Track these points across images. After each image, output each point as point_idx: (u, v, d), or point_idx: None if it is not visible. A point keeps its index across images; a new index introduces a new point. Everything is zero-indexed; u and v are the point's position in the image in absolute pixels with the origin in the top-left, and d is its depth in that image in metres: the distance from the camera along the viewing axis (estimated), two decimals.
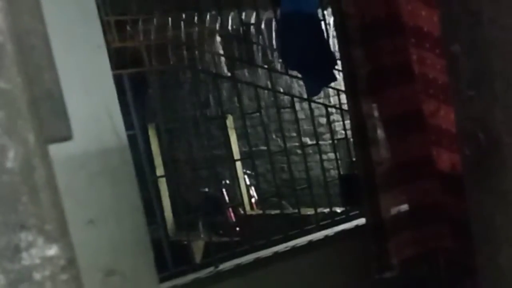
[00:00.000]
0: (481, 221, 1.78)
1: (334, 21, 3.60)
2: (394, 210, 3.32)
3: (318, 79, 3.81)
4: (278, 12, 3.82)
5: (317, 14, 3.81)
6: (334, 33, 3.76)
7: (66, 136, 0.69)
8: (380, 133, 3.33)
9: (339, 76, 3.95)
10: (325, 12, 4.29)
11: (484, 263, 1.79)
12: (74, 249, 0.67)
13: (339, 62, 3.75)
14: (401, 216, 3.33)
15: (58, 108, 0.67)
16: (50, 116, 0.66)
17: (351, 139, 3.69)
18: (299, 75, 4.06)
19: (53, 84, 0.67)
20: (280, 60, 4.49)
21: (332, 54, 3.93)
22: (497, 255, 1.71)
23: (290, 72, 4.32)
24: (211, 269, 3.50)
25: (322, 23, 4.19)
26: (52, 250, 0.63)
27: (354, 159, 3.73)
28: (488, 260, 1.76)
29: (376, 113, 3.32)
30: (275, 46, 4.93)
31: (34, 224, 0.61)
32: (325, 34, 4.09)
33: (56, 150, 2.35)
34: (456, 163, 2.96)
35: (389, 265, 3.29)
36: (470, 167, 1.82)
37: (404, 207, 3.34)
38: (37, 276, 0.62)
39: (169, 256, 3.50)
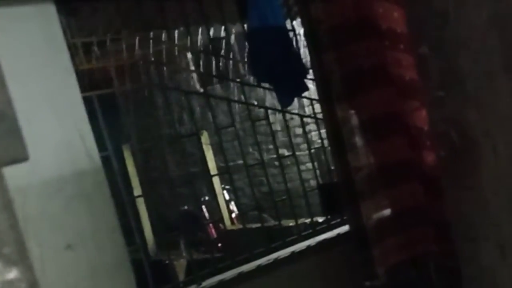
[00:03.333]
0: (460, 220, 1.77)
1: (304, 28, 3.58)
2: (377, 216, 3.30)
3: (290, 90, 3.80)
4: (246, 26, 3.81)
5: (285, 26, 3.80)
6: (305, 42, 3.76)
7: (22, 157, 0.66)
8: (357, 138, 3.30)
9: (312, 85, 3.94)
10: (294, 22, 4.28)
11: (465, 262, 1.78)
12: (35, 271, 0.64)
13: (311, 70, 3.74)
14: (385, 221, 3.31)
15: (12, 129, 0.65)
16: (4, 138, 0.64)
17: (328, 148, 3.67)
18: (271, 87, 4.05)
19: (5, 105, 0.64)
20: (251, 74, 4.48)
21: (302, 64, 3.92)
22: (477, 253, 1.71)
23: (263, 84, 4.30)
24: (194, 286, 3.46)
25: (292, 33, 4.19)
26: (12, 274, 0.60)
27: (332, 167, 3.70)
28: (469, 259, 1.75)
29: (352, 119, 3.30)
30: (246, 59, 4.92)
31: None
32: (295, 45, 4.08)
33: (29, 175, 2.29)
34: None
35: (376, 272, 3.26)
36: (446, 167, 1.82)
37: (387, 212, 3.32)
38: None
39: (150, 277, 3.45)
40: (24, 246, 0.64)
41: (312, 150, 4.65)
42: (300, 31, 4.17)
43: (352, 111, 3.29)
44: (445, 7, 1.75)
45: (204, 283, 3.47)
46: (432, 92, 1.79)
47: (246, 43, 3.99)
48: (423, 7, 1.82)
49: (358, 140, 3.30)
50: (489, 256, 1.69)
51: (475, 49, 1.71)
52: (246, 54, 4.53)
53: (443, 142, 1.77)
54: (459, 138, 1.70)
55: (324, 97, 3.42)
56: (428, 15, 1.80)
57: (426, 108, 1.94)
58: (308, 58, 3.70)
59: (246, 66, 5.13)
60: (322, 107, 3.52)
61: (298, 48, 4.25)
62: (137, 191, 6.97)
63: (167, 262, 5.64)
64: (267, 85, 4.24)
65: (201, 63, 4.80)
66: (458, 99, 1.72)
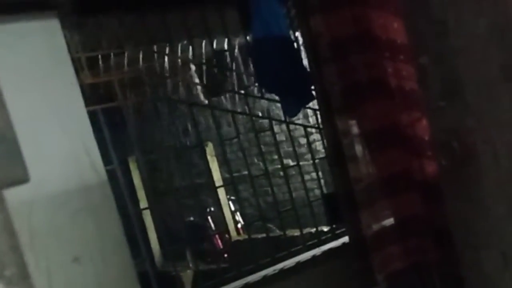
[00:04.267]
0: (461, 228, 1.78)
1: (304, 40, 3.61)
2: (376, 225, 3.31)
3: (296, 100, 3.82)
4: (249, 37, 3.84)
5: (289, 36, 3.82)
6: (305, 54, 3.78)
7: (22, 179, 0.67)
8: (357, 149, 3.32)
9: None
10: (297, 33, 4.30)
11: (467, 270, 1.79)
12: None
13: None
14: (384, 230, 3.33)
15: (12, 151, 0.65)
16: (4, 160, 0.64)
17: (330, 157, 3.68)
18: (276, 98, 4.07)
19: (5, 127, 0.65)
20: (256, 84, 4.51)
21: (309, 74, 3.94)
22: (479, 261, 1.71)
23: (267, 95, 4.33)
24: None
25: (295, 44, 4.21)
26: None
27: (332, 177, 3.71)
28: (472, 267, 1.76)
29: (352, 130, 3.32)
30: (250, 71, 4.95)
31: None
32: (300, 55, 4.10)
33: (35, 189, 2.31)
34: None
35: (375, 281, 3.28)
36: (447, 176, 1.83)
37: (387, 221, 3.33)
38: None
39: None
40: (25, 267, 0.65)
41: (316, 160, 4.67)
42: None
43: (353, 122, 3.31)
44: (444, 16, 1.77)
45: None
46: (433, 102, 1.80)
47: (250, 54, 4.01)
48: (422, 17, 1.83)
49: (358, 151, 3.32)
50: (491, 264, 1.70)
51: (475, 58, 1.72)
52: (251, 65, 4.55)
53: (444, 151, 1.79)
54: (460, 147, 1.71)
55: (325, 108, 3.45)
56: (427, 24, 1.82)
57: (427, 118, 1.95)
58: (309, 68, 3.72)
59: (249, 77, 5.15)
60: (322, 119, 3.55)
61: (303, 58, 4.27)
62: (143, 203, 6.99)
63: (173, 273, 5.63)
64: (271, 96, 4.27)
65: (204, 75, 4.83)
66: (458, 108, 1.74)
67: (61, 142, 2.83)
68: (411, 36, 1.94)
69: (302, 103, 4.03)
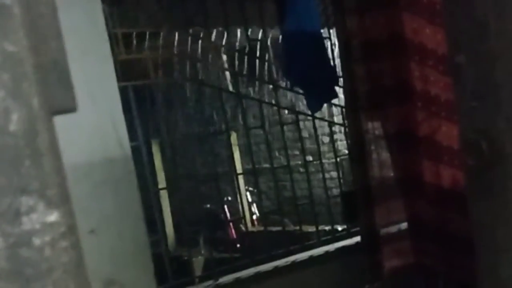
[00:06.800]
0: (482, 231, 1.77)
1: (338, 39, 3.64)
2: (388, 222, 3.36)
3: (319, 96, 3.85)
4: (282, 29, 3.86)
5: (320, 33, 3.84)
6: (339, 52, 3.80)
7: (71, 108, 0.68)
8: (377, 148, 3.37)
9: (341, 93, 3.98)
10: (331, 30, 4.31)
11: (484, 273, 1.78)
12: (75, 216, 0.66)
13: (341, 79, 3.78)
14: (395, 228, 3.38)
15: (64, 79, 0.67)
16: (55, 86, 0.66)
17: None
18: (302, 91, 4.10)
19: (59, 54, 0.67)
20: (284, 77, 4.53)
21: (334, 71, 3.97)
22: (497, 265, 1.70)
23: (296, 88, 4.34)
24: (211, 282, 3.49)
25: (328, 41, 4.23)
26: (53, 216, 0.62)
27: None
28: (488, 270, 1.75)
29: (375, 129, 3.36)
30: (280, 63, 4.97)
31: (36, 188, 0.60)
32: (329, 52, 4.12)
33: None
34: (457, 179, 2.98)
35: (377, 275, 3.33)
36: (472, 177, 1.82)
37: (399, 220, 3.38)
38: (36, 241, 0.61)
39: (169, 269, 3.48)
40: (67, 190, 0.66)
41: (338, 159, 4.67)
42: (336, 40, 4.21)
43: (376, 122, 3.36)
44: (486, 18, 1.76)
45: (221, 280, 3.50)
46: (465, 101, 1.80)
47: (281, 45, 4.03)
48: (464, 17, 1.83)
49: (378, 150, 3.37)
50: (509, 269, 1.69)
51: (511, 61, 1.72)
52: (280, 56, 4.58)
53: (472, 152, 1.78)
54: (489, 148, 1.70)
55: (351, 106, 3.48)
56: (468, 25, 1.81)
57: (458, 117, 1.94)
58: (340, 66, 3.75)
59: (279, 69, 5.17)
60: (347, 115, 3.61)
61: (333, 56, 4.28)
62: (161, 185, 7.02)
63: (185, 258, 5.66)
64: (299, 90, 4.28)
65: (236, 63, 4.84)
66: (490, 110, 1.73)
67: (89, 113, 2.85)
68: (450, 34, 1.93)
69: (325, 99, 4.07)
